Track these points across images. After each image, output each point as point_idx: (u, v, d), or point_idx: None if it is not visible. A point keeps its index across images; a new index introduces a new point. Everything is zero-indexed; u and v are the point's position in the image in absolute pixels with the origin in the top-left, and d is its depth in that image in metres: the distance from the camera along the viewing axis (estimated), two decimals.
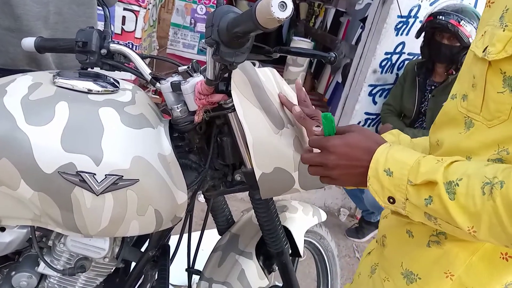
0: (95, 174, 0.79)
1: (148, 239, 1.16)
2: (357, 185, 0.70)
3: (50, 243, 1.00)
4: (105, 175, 0.80)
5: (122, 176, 0.81)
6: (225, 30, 0.67)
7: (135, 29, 2.80)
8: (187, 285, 1.23)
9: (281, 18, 0.57)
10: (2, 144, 0.77)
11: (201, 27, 3.78)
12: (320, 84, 4.72)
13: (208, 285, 1.12)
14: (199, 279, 1.18)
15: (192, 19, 3.75)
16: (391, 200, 0.63)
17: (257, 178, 0.85)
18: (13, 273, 1.00)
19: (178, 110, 0.92)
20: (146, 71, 1.00)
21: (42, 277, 1.03)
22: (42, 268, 0.99)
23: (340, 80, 3.85)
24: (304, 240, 1.29)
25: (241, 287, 1.10)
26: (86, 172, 0.79)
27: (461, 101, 0.67)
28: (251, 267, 1.12)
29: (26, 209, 0.84)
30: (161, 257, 1.11)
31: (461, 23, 2.10)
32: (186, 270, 1.20)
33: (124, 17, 2.75)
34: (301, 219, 1.27)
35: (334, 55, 0.91)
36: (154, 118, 0.93)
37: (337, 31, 4.63)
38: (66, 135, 0.79)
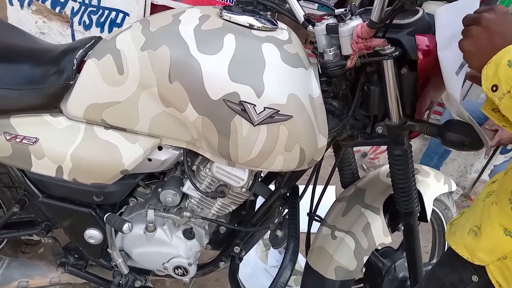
0: (255, 105, 0.83)
1: (278, 179, 1.21)
2: (476, 64, 0.68)
3: (194, 167, 1.09)
4: (264, 107, 0.84)
5: (279, 111, 0.84)
6: None
7: None
8: (306, 230, 1.27)
9: None
10: (175, 68, 0.85)
11: None
12: None
13: (331, 231, 1.15)
14: (321, 225, 1.21)
15: None
16: (494, 88, 0.63)
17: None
18: (160, 189, 1.13)
19: (331, 54, 0.91)
20: (300, 13, 1.00)
21: (184, 196, 1.15)
22: (186, 188, 1.10)
23: None
24: None
25: (365, 239, 1.10)
26: (248, 103, 0.83)
27: None
28: (377, 222, 1.11)
29: (186, 131, 0.93)
30: (291, 196, 1.16)
31: None
32: (308, 214, 1.24)
33: None
34: (433, 185, 1.21)
35: None
36: (306, 59, 0.94)
37: None
38: (232, 66, 0.83)
